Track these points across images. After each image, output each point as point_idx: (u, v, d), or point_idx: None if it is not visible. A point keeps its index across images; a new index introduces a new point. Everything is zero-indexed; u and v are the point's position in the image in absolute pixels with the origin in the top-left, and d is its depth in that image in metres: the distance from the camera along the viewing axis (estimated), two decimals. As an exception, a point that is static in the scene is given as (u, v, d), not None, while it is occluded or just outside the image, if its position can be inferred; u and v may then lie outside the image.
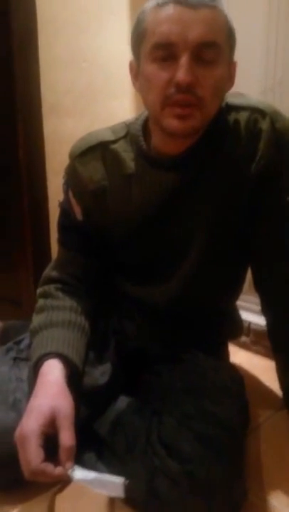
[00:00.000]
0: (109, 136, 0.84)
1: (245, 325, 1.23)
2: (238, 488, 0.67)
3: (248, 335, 1.26)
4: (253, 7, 1.13)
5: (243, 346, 1.27)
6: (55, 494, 0.73)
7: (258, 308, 0.96)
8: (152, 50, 0.67)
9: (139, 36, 0.71)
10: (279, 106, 1.12)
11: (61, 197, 0.91)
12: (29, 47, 1.26)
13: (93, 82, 1.33)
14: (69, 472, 0.60)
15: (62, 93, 1.35)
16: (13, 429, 0.66)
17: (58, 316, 0.83)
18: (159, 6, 0.67)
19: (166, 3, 0.66)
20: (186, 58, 0.65)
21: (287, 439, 0.88)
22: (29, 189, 1.34)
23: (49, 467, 0.60)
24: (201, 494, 0.64)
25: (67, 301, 0.86)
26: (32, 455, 0.60)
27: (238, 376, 0.91)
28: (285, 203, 0.81)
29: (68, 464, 0.60)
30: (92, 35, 1.31)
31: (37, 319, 0.84)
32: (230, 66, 0.74)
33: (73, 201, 0.87)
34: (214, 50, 0.67)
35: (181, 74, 0.65)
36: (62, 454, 0.61)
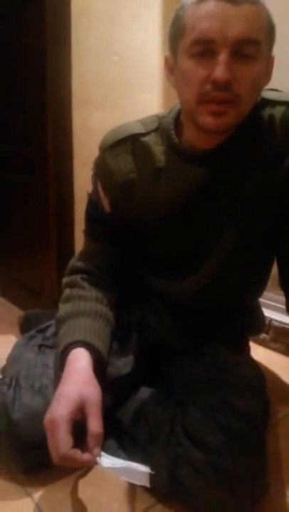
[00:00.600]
0: (139, 129, 0.84)
1: (266, 322, 1.23)
2: (260, 480, 0.68)
3: (267, 332, 1.26)
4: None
5: (262, 343, 1.27)
6: (78, 479, 0.75)
7: (279, 305, 0.96)
8: (191, 45, 0.67)
9: (177, 31, 0.70)
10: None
11: (87, 189, 0.92)
12: (62, 40, 1.27)
13: (123, 75, 1.33)
14: (97, 459, 0.61)
15: (93, 86, 1.35)
16: (40, 413, 0.69)
17: (84, 306, 0.84)
18: (199, 1, 0.66)
19: None
20: (225, 55, 0.64)
21: (306, 436, 0.89)
22: (56, 180, 1.35)
23: (78, 453, 0.61)
24: (224, 485, 0.65)
25: (93, 292, 0.87)
26: (61, 441, 0.61)
27: (259, 372, 0.92)
28: None
29: (96, 451, 0.62)
30: (124, 28, 1.31)
31: (63, 308, 0.86)
32: (269, 61, 0.73)
33: (102, 193, 0.88)
34: (254, 46, 0.66)
35: (219, 71, 0.64)
36: (91, 441, 0.62)
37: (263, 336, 1.26)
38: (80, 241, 0.97)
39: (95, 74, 1.34)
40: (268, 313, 1.23)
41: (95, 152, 0.88)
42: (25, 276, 1.56)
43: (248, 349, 1.03)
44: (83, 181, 1.33)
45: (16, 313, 1.46)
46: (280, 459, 0.83)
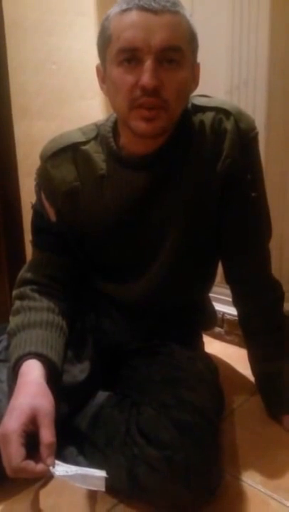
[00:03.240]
0: (79, 138, 0.86)
1: (219, 316, 1.28)
2: (214, 471, 0.71)
3: (222, 326, 1.30)
4: (218, 8, 1.16)
5: (218, 336, 1.31)
6: (38, 489, 0.75)
7: (230, 299, 1.00)
8: (118, 54, 0.70)
9: (104, 41, 0.73)
10: (244, 105, 1.18)
11: (33, 198, 0.92)
12: (-4, 49, 1.26)
13: (62, 84, 1.34)
14: (50, 468, 0.62)
15: (33, 96, 1.35)
16: (-6, 428, 0.68)
17: (35, 317, 0.84)
18: (122, 11, 0.69)
19: (130, 8, 0.69)
20: (151, 62, 0.68)
21: (260, 422, 0.93)
22: (1, 191, 1.34)
23: (30, 465, 0.61)
24: (179, 478, 0.67)
25: (44, 302, 0.87)
26: (13, 454, 0.61)
27: (212, 365, 0.95)
28: (250, 199, 0.85)
29: (49, 460, 0.62)
30: (60, 38, 1.32)
31: (14, 321, 0.85)
32: (194, 68, 0.77)
33: (46, 203, 0.89)
34: (177, 53, 0.70)
35: (146, 78, 0.68)
36: (43, 451, 0.63)
37: (218, 329, 1.31)
38: (29, 250, 0.97)
39: (34, 83, 1.34)
40: (220, 307, 1.28)
41: (39, 161, 0.89)
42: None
43: (201, 344, 1.07)
44: (29, 191, 1.32)
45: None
46: (235, 446, 0.86)
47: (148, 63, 0.68)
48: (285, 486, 0.76)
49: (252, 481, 0.77)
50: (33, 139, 1.36)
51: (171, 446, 0.68)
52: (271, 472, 0.79)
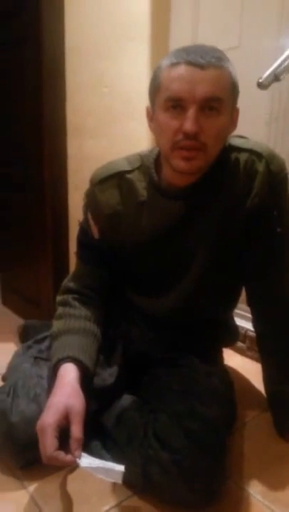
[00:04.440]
0: (125, 167, 0.96)
1: (242, 331, 1.36)
2: (217, 478, 0.80)
3: (244, 341, 1.38)
4: (264, 38, 1.22)
5: (239, 351, 1.39)
6: (66, 475, 0.88)
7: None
8: (165, 102, 0.79)
9: (154, 88, 0.82)
10: (280, 136, 1.23)
11: (80, 210, 1.03)
12: (57, 74, 1.39)
13: (112, 105, 1.45)
14: (77, 459, 0.74)
15: (85, 116, 1.46)
16: (34, 418, 0.81)
17: (74, 324, 0.96)
18: (172, 65, 0.78)
19: (179, 63, 0.77)
20: (193, 111, 0.76)
21: (268, 437, 1.01)
22: (52, 203, 1.47)
23: (61, 455, 0.74)
24: (186, 480, 0.77)
25: (83, 311, 0.99)
26: (48, 444, 0.74)
27: (228, 381, 1.04)
28: (275, 234, 0.93)
29: (77, 453, 0.74)
30: (112, 62, 1.42)
31: (56, 325, 0.98)
32: (233, 113, 0.84)
33: (91, 222, 1.00)
34: (218, 103, 0.78)
35: (188, 125, 0.76)
36: (72, 444, 0.75)
37: (240, 344, 1.38)
38: (73, 257, 1.08)
39: (87, 105, 1.46)
40: (244, 323, 1.35)
41: (87, 177, 1.00)
42: (25, 288, 1.69)
43: (221, 359, 1.15)
44: (77, 203, 1.45)
45: (16, 322, 1.58)
46: (242, 457, 0.95)
47: (191, 112, 0.76)
48: (283, 499, 0.84)
49: (253, 491, 0.86)
50: (84, 155, 1.48)
51: (181, 452, 0.78)
52: (272, 485, 0.88)
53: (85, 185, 1.01)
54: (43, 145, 1.41)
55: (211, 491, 0.79)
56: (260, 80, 0.87)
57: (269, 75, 0.91)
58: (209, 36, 1.34)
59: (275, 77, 0.92)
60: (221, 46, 1.30)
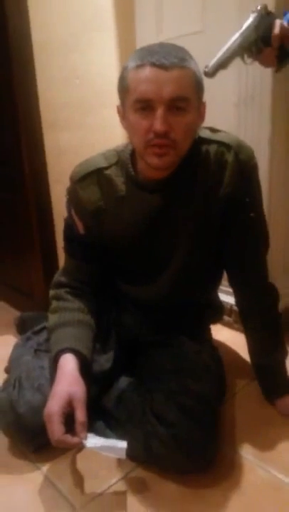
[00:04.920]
0: (102, 163, 0.99)
1: (228, 306, 1.43)
2: (211, 446, 0.89)
3: (230, 315, 1.46)
4: (228, 24, 1.24)
5: (227, 325, 1.47)
6: (75, 454, 0.96)
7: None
8: (134, 103, 0.82)
9: (123, 89, 0.85)
10: (250, 118, 1.28)
11: (63, 203, 1.07)
12: (27, 70, 1.39)
13: (85, 96, 1.46)
14: (83, 441, 0.81)
15: (59, 109, 1.47)
16: (40, 407, 0.88)
17: (69, 317, 1.02)
18: (138, 66, 0.81)
19: (144, 64, 0.80)
20: (161, 111, 0.80)
21: (257, 404, 1.10)
22: (35, 197, 1.51)
23: (68, 438, 0.81)
24: (182, 451, 0.85)
25: (76, 303, 1.05)
26: (55, 430, 0.81)
27: (217, 356, 1.12)
28: (248, 219, 0.99)
29: (82, 435, 0.82)
30: (82, 54, 1.42)
31: (52, 319, 1.04)
32: (200, 107, 0.88)
33: (76, 218, 1.04)
34: (184, 102, 0.82)
35: (158, 124, 0.80)
36: (78, 427, 0.82)
37: (227, 318, 1.46)
38: (61, 248, 1.12)
39: (60, 98, 1.47)
40: (229, 299, 1.42)
41: (67, 169, 1.03)
42: (18, 281, 1.74)
43: (209, 336, 1.24)
44: (59, 195, 1.48)
45: (13, 314, 1.64)
46: (234, 424, 1.04)
47: (159, 112, 0.80)
48: (271, 458, 0.94)
49: (245, 453, 0.95)
50: (61, 148, 1.50)
51: (177, 426, 0.87)
52: (262, 446, 0.97)
53: (65, 178, 1.03)
54: (21, 141, 1.43)
55: (206, 458, 0.88)
56: (206, 69, 0.90)
57: (214, 64, 0.93)
58: (173, 23, 1.35)
59: (221, 65, 0.94)
60: (184, 31, 1.33)
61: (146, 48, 0.83)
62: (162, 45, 0.83)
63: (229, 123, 1.26)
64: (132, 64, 0.83)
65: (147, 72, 0.80)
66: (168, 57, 0.79)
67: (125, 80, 0.84)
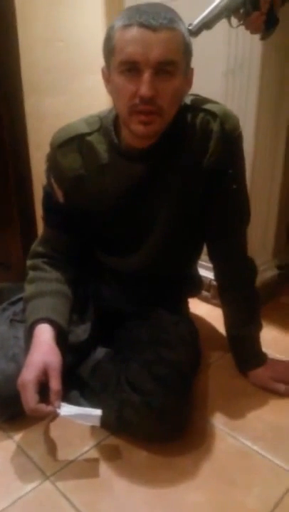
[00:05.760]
0: (84, 129, 0.96)
1: (206, 281, 1.44)
2: (184, 413, 0.91)
3: (208, 290, 1.47)
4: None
5: (205, 300, 1.48)
6: (48, 423, 0.96)
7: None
8: (120, 65, 0.79)
9: (109, 50, 0.82)
10: (238, 87, 1.25)
11: (42, 169, 1.03)
12: (8, 28, 1.32)
13: (70, 59, 1.40)
14: (57, 409, 0.82)
15: (42, 72, 1.42)
16: (14, 376, 0.87)
17: (46, 287, 1.01)
18: (125, 26, 0.77)
19: (131, 24, 0.76)
20: (148, 75, 0.77)
21: (229, 375, 1.12)
22: (14, 162, 1.46)
23: (42, 407, 0.81)
24: (155, 418, 0.87)
25: (53, 273, 1.03)
26: (29, 399, 0.81)
27: (193, 328, 1.14)
28: (231, 190, 0.98)
29: (56, 403, 0.82)
30: (68, 15, 1.36)
31: (29, 289, 1.02)
32: (188, 72, 0.86)
33: (55, 186, 1.01)
34: (172, 66, 0.79)
35: (144, 89, 0.77)
36: (52, 396, 0.82)
37: (205, 293, 1.47)
38: (40, 219, 1.09)
39: (43, 60, 1.41)
40: (208, 274, 1.43)
41: (48, 135, 0.99)
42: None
43: (187, 309, 1.25)
44: (38, 163, 1.44)
45: (-11, 284, 1.62)
46: (207, 394, 1.06)
47: (146, 75, 0.77)
48: (241, 427, 0.96)
49: (216, 421, 0.98)
50: (43, 113, 1.45)
51: (150, 394, 0.88)
52: (232, 416, 0.99)
53: (46, 144, 1.00)
54: (-1, 105, 1.37)
55: (179, 426, 0.90)
56: (190, 27, 0.87)
57: (198, 22, 0.91)
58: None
59: (206, 25, 0.92)
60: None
61: (134, 7, 0.79)
62: (151, 5, 0.79)
63: (216, 92, 1.23)
64: (118, 23, 0.79)
65: (134, 32, 0.76)
66: (156, 18, 0.76)
67: (111, 40, 0.80)
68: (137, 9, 0.78)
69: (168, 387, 0.89)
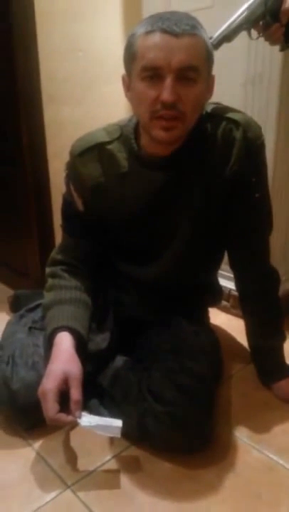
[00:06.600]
0: (104, 137, 0.96)
1: (226, 291, 1.42)
2: (207, 424, 0.89)
3: (228, 300, 1.45)
4: (237, 2, 1.20)
5: (224, 310, 1.46)
6: (69, 431, 0.95)
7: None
8: (142, 71, 0.79)
9: (130, 57, 0.82)
10: (257, 98, 1.25)
11: (61, 178, 1.03)
12: (28, 39, 1.34)
13: (88, 70, 1.42)
14: (77, 419, 0.80)
15: (61, 82, 1.43)
16: (34, 384, 0.86)
17: (65, 295, 1.00)
18: (147, 32, 0.77)
19: (154, 31, 0.76)
20: (170, 80, 0.77)
21: (252, 387, 1.09)
22: (33, 171, 1.47)
23: (62, 417, 0.80)
24: (178, 429, 0.84)
25: (73, 281, 1.02)
26: (50, 408, 0.80)
27: (214, 338, 1.12)
28: (254, 199, 0.96)
29: (77, 413, 0.81)
30: (87, 25, 1.37)
31: (48, 297, 1.02)
32: (209, 80, 0.85)
33: (74, 194, 1.01)
34: (194, 72, 0.78)
35: (166, 94, 0.77)
36: (72, 406, 0.81)
37: (225, 303, 1.45)
38: (58, 225, 1.08)
39: (62, 70, 1.43)
40: (228, 284, 1.41)
41: (66, 144, 0.99)
42: (13, 259, 1.71)
43: (207, 318, 1.22)
44: (57, 171, 1.45)
45: (6, 292, 1.61)
46: (230, 406, 1.03)
47: (168, 81, 0.77)
48: (266, 440, 0.93)
49: (240, 434, 0.95)
50: (61, 122, 1.46)
51: (173, 404, 0.86)
52: (257, 428, 0.96)
53: (65, 153, 1.00)
54: (19, 114, 1.39)
55: (202, 437, 0.87)
56: (210, 40, 0.88)
57: (219, 35, 0.91)
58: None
59: (226, 37, 0.92)
60: (194, 6, 1.29)
61: (156, 15, 0.80)
62: (173, 13, 0.80)
63: (236, 102, 1.23)
64: (140, 30, 0.79)
65: (157, 38, 0.76)
66: (179, 24, 0.76)
67: (133, 47, 0.80)
68: (159, 16, 0.78)
69: (191, 398, 0.87)
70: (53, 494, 0.81)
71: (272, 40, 0.96)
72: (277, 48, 0.98)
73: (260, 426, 0.97)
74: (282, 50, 0.98)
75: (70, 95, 1.46)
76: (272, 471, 0.86)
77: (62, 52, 1.42)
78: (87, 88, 1.43)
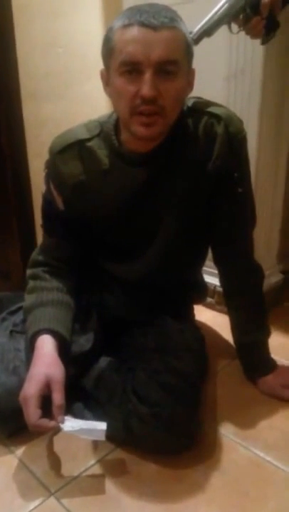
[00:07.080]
0: (84, 134, 0.94)
1: (211, 288, 1.41)
2: (193, 423, 0.88)
3: (213, 296, 1.44)
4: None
5: (209, 306, 1.46)
6: (52, 436, 0.93)
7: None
8: (120, 66, 0.77)
9: (108, 52, 0.80)
10: (240, 92, 1.24)
11: (42, 176, 1.01)
12: (6, 35, 1.30)
13: (69, 66, 1.39)
14: (60, 424, 0.78)
15: (40, 78, 1.40)
16: (15, 389, 0.84)
17: (47, 296, 0.98)
18: (125, 26, 0.76)
19: (132, 24, 0.75)
20: (150, 75, 0.75)
21: (238, 383, 1.09)
22: (12, 171, 1.44)
23: (45, 422, 0.78)
24: (164, 429, 0.83)
25: (54, 283, 1.00)
26: (32, 414, 0.78)
27: (199, 336, 1.10)
28: (236, 194, 0.96)
29: (59, 418, 0.79)
30: (66, 21, 1.35)
31: (29, 299, 0.99)
32: (190, 73, 0.84)
33: (55, 192, 0.99)
34: (173, 65, 0.77)
35: (146, 89, 0.75)
36: (55, 411, 0.79)
37: (210, 300, 1.45)
38: (39, 226, 1.06)
39: (42, 67, 1.39)
40: (213, 280, 1.40)
41: (47, 142, 0.97)
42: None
43: (192, 315, 1.22)
44: (37, 171, 1.42)
45: (-12, 295, 1.58)
46: (215, 403, 1.03)
47: (147, 76, 0.75)
48: (252, 436, 0.93)
49: (226, 431, 0.94)
50: (41, 120, 1.43)
51: (159, 405, 0.84)
52: (243, 425, 0.96)
53: (45, 151, 0.98)
54: (-2, 112, 1.35)
55: (188, 437, 0.86)
56: (190, 35, 0.86)
57: (198, 29, 0.90)
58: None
59: (206, 32, 0.91)
60: (174, 0, 1.27)
61: (134, 7, 0.78)
62: (152, 5, 0.78)
63: (217, 97, 1.22)
64: (118, 23, 0.77)
65: (135, 32, 0.75)
66: (157, 17, 0.74)
67: (111, 41, 0.79)
68: (137, 9, 0.77)
69: (177, 397, 0.86)
70: (36, 502, 0.79)
71: (253, 34, 0.95)
72: (258, 41, 0.98)
73: (246, 422, 0.97)
74: (263, 43, 0.97)
75: (50, 92, 1.43)
76: (259, 467, 0.85)
77: (42, 47, 1.38)
78: (68, 85, 1.41)
